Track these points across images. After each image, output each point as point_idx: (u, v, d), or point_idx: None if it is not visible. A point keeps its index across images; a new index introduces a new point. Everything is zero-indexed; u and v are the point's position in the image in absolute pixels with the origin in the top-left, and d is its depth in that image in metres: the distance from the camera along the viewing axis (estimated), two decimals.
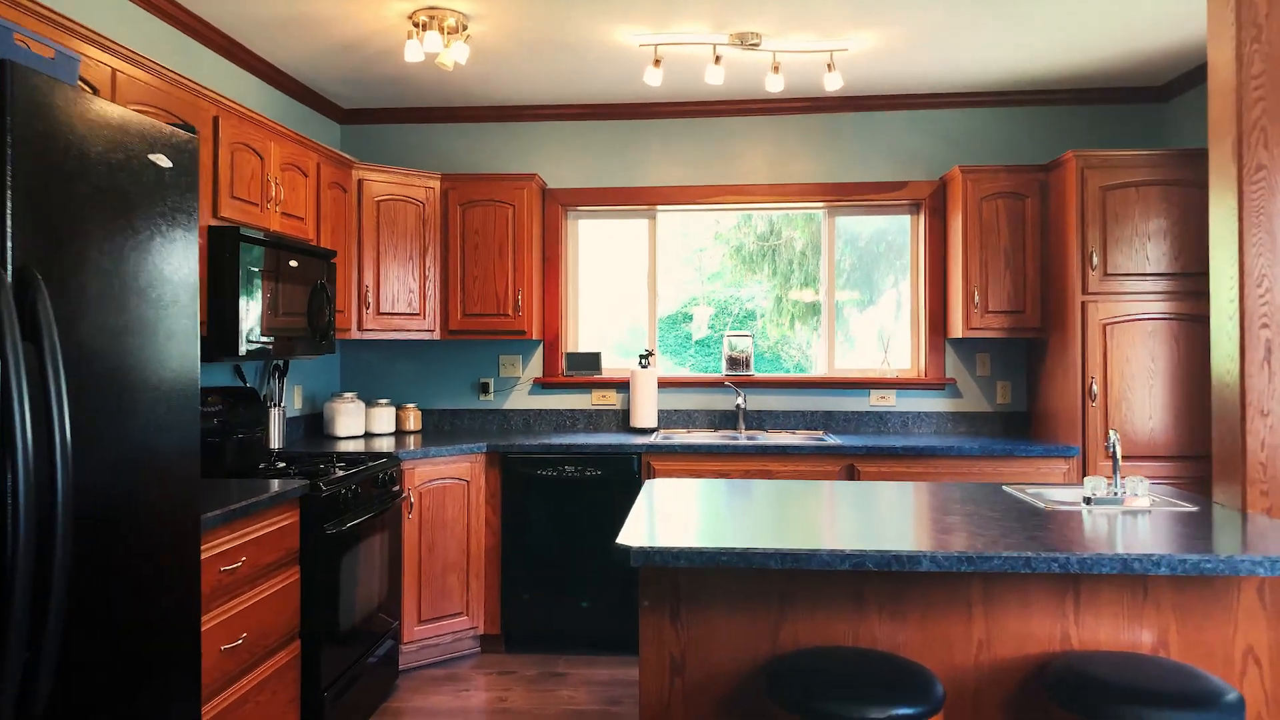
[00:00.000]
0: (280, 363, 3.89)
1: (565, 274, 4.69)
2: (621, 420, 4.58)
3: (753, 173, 4.55)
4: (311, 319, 3.46)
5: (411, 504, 3.74)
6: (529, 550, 3.96)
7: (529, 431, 4.48)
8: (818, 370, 4.65)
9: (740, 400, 4.40)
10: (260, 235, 3.06)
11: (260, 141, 3.21)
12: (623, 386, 4.58)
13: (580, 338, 4.75)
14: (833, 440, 4.05)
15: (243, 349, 2.95)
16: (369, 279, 4.08)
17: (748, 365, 4.56)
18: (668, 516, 2.27)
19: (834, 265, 4.63)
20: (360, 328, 4.07)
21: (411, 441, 4.07)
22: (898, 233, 4.62)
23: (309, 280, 3.43)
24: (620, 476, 3.94)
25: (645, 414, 4.36)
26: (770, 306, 4.78)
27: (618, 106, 4.55)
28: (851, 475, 3.87)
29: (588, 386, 4.60)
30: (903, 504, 2.47)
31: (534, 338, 4.38)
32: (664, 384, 4.54)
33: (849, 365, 4.62)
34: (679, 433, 4.43)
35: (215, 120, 2.94)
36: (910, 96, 4.42)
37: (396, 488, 3.63)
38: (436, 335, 4.28)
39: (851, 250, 4.67)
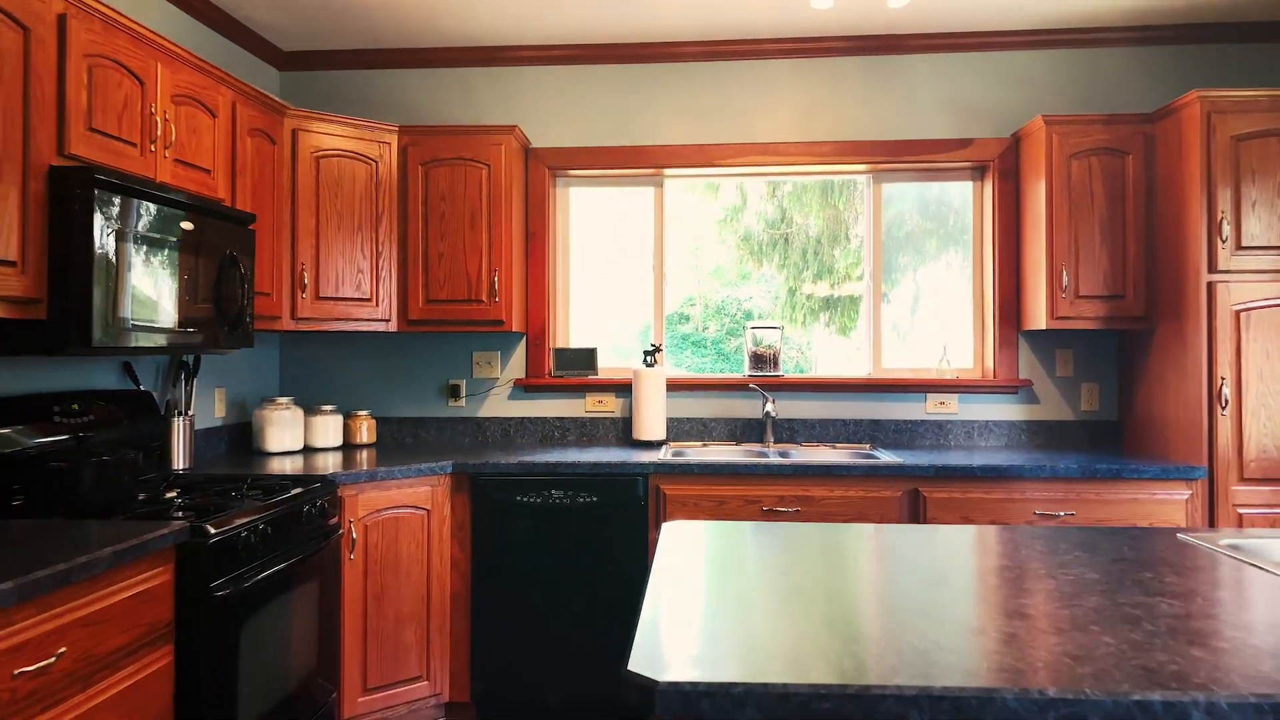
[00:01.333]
0: (190, 360, 3.06)
1: (553, 253, 3.87)
2: (622, 431, 3.76)
3: (781, 129, 3.73)
4: (219, 302, 2.63)
5: (354, 541, 2.91)
6: (507, 596, 3.14)
7: (509, 445, 3.66)
8: (857, 370, 3.84)
9: (769, 406, 3.58)
10: (133, 184, 2.23)
11: (139, 61, 2.37)
12: (623, 390, 3.76)
13: (572, 331, 3.93)
14: (888, 457, 3.23)
15: (99, 337, 2.12)
16: (306, 255, 3.24)
17: (775, 364, 3.74)
18: (700, 602, 1.44)
19: (880, 241, 3.82)
20: (295, 316, 3.23)
21: (364, 458, 3.25)
22: (926, 217, 3.80)
23: (214, 251, 2.60)
24: (622, 502, 3.11)
25: (651, 423, 3.54)
26: (780, 302, 3.94)
27: (618, 47, 3.72)
28: (915, 503, 3.05)
29: (580, 389, 3.77)
30: (1054, 570, 1.65)
31: (514, 330, 3.55)
32: (673, 386, 3.71)
33: (870, 368, 3.80)
34: (693, 446, 3.61)
35: (61, 20, 2.11)
36: (976, 35, 3.61)
37: (333, 520, 2.81)
38: (393, 326, 3.45)
39: (869, 237, 3.85)
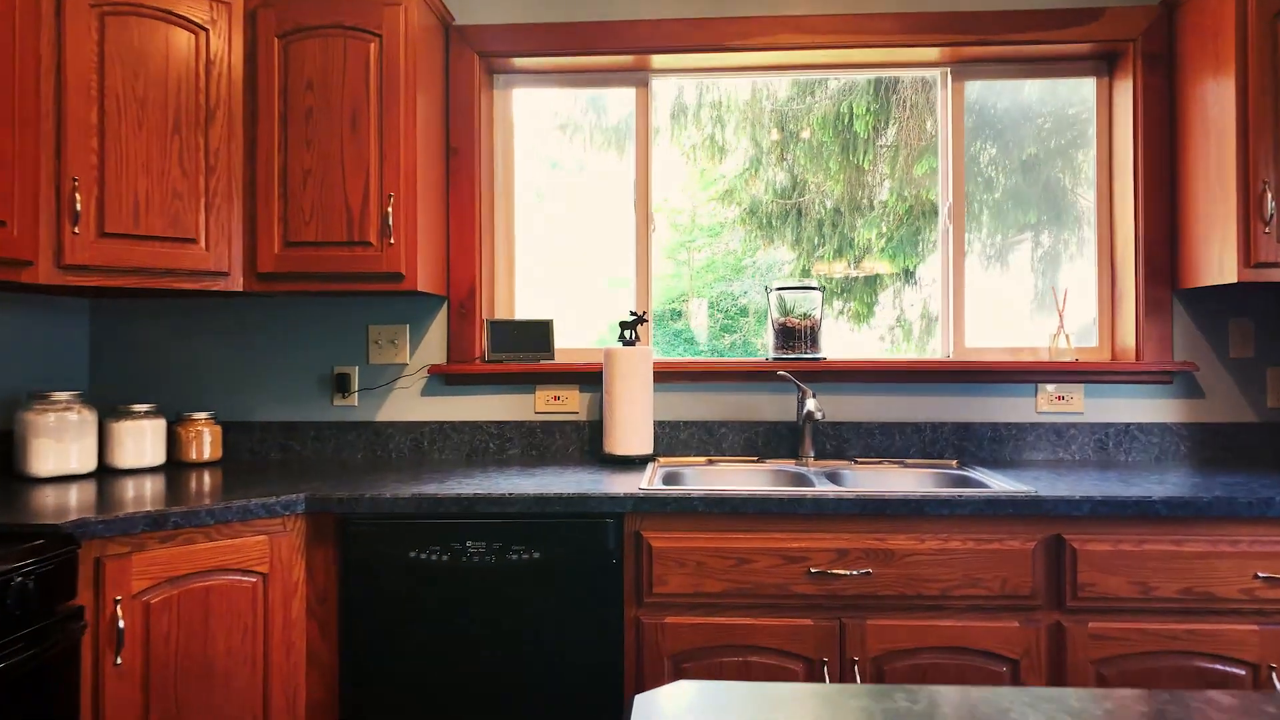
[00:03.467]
0: None
1: (487, 183, 2.68)
2: (589, 441, 2.57)
3: None
4: None
5: (121, 634, 1.71)
6: (397, 709, 1.94)
7: (422, 463, 2.46)
8: (928, 349, 2.67)
9: (809, 404, 2.38)
10: None
11: None
12: (590, 382, 2.57)
13: (517, 299, 2.74)
14: (1001, 483, 2.05)
15: None
16: (80, 166, 2.04)
17: (813, 341, 2.56)
18: None
19: (962, 164, 2.65)
20: (61, 261, 2.03)
21: (200, 484, 2.07)
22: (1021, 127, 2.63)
23: None
24: (580, 561, 1.93)
25: (632, 430, 2.35)
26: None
27: None
28: (1057, 557, 1.88)
29: (529, 381, 2.58)
30: None
31: (426, 291, 2.36)
32: (664, 374, 2.53)
33: (949, 348, 2.63)
34: (694, 464, 2.43)
35: None
36: None
37: (70, 604, 1.61)
38: (236, 282, 2.25)
39: (901, 199, 2.67)
